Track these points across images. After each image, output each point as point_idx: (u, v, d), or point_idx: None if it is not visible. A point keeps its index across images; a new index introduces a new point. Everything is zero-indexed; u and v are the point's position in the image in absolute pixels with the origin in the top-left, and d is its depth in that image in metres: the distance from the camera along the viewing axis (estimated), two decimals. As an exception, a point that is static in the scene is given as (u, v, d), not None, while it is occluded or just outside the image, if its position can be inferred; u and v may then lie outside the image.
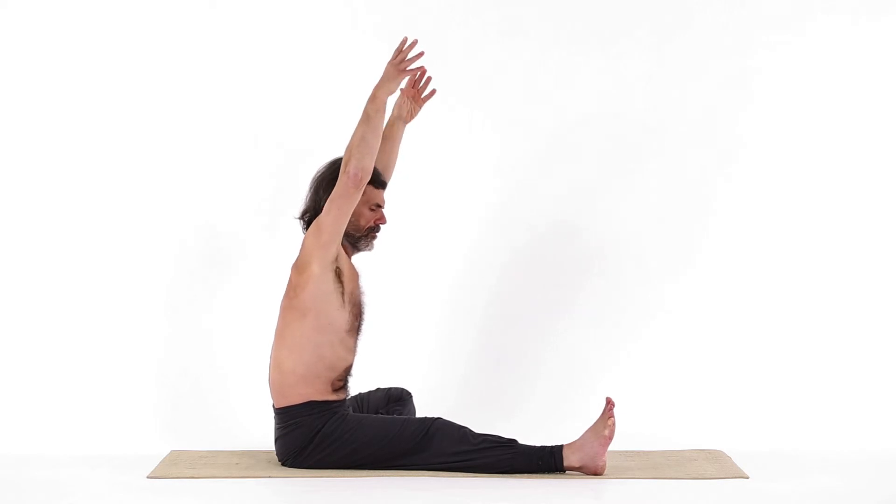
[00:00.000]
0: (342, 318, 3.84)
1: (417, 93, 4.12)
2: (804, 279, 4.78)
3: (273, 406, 3.88)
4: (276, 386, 3.86)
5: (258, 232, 4.79)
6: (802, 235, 4.79)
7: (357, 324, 3.90)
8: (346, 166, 3.77)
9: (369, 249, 3.99)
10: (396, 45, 3.84)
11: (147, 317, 4.70)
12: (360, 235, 3.94)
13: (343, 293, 3.84)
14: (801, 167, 4.82)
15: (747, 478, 3.75)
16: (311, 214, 3.91)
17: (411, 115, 4.15)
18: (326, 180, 3.89)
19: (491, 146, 4.89)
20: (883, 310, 4.73)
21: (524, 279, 4.85)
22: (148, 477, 3.77)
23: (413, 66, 3.82)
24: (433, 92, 4.11)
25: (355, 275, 3.92)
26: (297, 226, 3.96)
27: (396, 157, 4.16)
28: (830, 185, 4.81)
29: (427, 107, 4.15)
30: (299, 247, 3.88)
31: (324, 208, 3.82)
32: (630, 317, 4.81)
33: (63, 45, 4.74)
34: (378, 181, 3.94)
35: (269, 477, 3.76)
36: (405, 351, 4.74)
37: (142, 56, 4.78)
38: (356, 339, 3.91)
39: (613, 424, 3.75)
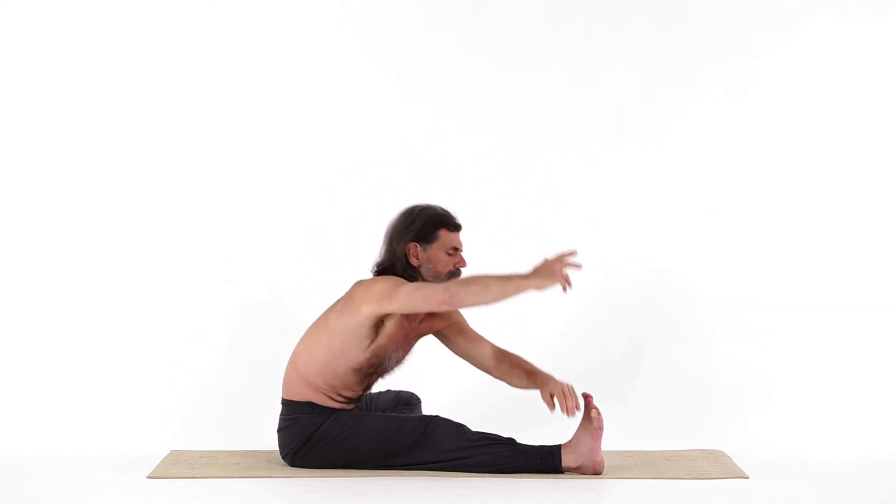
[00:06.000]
0: (357, 358, 3.80)
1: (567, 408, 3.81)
2: (804, 281, 4.78)
3: (281, 396, 3.91)
4: (286, 377, 3.89)
5: (260, 235, 4.79)
6: (803, 235, 4.79)
7: (369, 371, 3.84)
8: (450, 286, 3.66)
9: None
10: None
11: (147, 317, 4.71)
12: (441, 281, 3.80)
13: (372, 341, 3.79)
14: (800, 167, 4.82)
15: (747, 478, 3.75)
16: (388, 266, 3.82)
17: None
18: (399, 230, 3.81)
19: (491, 146, 4.89)
20: (883, 312, 4.73)
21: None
22: (148, 477, 3.77)
23: (567, 272, 3.62)
24: (576, 413, 3.79)
25: (397, 338, 3.82)
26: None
27: (509, 382, 3.96)
28: (831, 186, 4.81)
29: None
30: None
31: (412, 283, 3.72)
32: (630, 316, 4.81)
33: (90, 65, 4.79)
34: (452, 224, 3.84)
35: (269, 477, 3.77)
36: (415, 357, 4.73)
37: (176, 72, 4.83)
38: (363, 381, 3.85)
39: (599, 414, 3.74)
